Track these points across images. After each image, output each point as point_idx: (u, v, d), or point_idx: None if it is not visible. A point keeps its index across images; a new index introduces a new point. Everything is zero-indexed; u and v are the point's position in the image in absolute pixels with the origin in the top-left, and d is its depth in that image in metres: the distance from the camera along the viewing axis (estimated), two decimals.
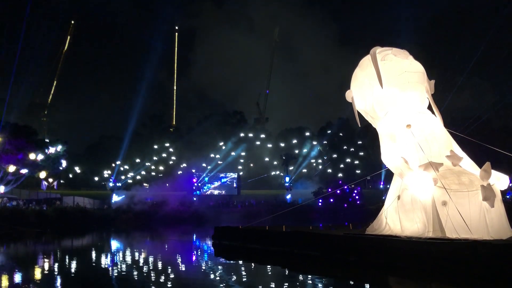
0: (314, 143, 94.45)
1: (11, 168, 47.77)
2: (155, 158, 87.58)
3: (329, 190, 64.62)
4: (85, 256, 24.52)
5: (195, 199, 68.54)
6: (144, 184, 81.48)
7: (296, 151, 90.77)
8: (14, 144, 47.29)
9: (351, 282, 15.68)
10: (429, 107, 20.38)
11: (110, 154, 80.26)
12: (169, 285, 14.99)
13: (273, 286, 14.91)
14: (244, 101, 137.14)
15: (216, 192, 75.70)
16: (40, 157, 50.13)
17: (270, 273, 17.69)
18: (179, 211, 57.60)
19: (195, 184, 74.23)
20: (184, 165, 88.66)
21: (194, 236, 38.46)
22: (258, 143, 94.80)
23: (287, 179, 78.02)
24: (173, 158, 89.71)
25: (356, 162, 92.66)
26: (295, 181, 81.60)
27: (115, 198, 60.75)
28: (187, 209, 59.69)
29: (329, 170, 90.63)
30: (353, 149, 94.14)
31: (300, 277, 16.51)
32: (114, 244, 32.22)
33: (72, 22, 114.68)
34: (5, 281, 15.54)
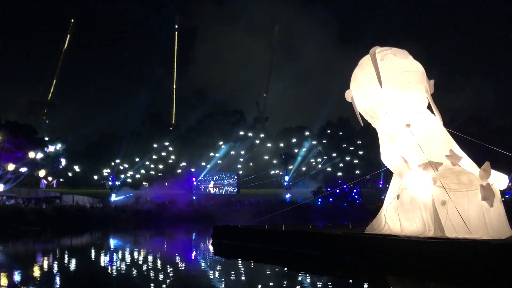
0: (314, 142, 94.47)
1: (11, 167, 47.74)
2: (154, 157, 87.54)
3: (329, 189, 64.64)
4: (84, 254, 24.52)
5: (194, 198, 68.57)
6: (144, 183, 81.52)
7: (296, 151, 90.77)
8: (14, 142, 47.26)
9: (350, 281, 15.70)
10: (429, 107, 20.39)
11: (110, 152, 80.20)
12: (167, 284, 14.99)
13: (272, 285, 14.92)
14: (244, 100, 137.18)
15: (213, 191, 75.74)
16: (40, 155, 50.11)
17: (269, 272, 17.69)
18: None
19: (195, 183, 74.26)
20: (184, 164, 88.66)
21: (194, 235, 38.47)
22: (257, 142, 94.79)
23: (286, 178, 78.05)
24: (173, 157, 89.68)
25: (356, 161, 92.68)
26: (294, 180, 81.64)
27: (115, 197, 60.68)
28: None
29: (329, 169, 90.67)
30: (352, 149, 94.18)
31: (299, 276, 16.52)
32: (114, 243, 32.22)
33: (72, 20, 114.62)
34: (4, 280, 15.54)
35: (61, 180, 72.33)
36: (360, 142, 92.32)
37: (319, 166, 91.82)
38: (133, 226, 47.02)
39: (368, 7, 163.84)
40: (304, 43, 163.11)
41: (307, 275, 16.67)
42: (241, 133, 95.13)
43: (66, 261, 21.22)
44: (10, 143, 47.05)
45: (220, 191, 76.24)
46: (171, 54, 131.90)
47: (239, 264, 19.99)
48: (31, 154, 48.77)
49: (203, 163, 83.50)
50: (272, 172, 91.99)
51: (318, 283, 15.27)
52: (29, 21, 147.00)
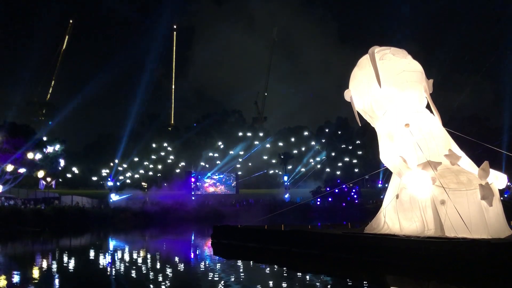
0: (313, 142, 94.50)
1: (9, 167, 47.64)
2: (153, 157, 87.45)
3: (328, 189, 64.70)
4: (83, 255, 24.48)
5: (193, 198, 68.52)
6: (143, 183, 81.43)
7: (295, 151, 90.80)
8: (12, 143, 47.18)
9: (350, 281, 15.69)
10: (428, 106, 20.40)
11: (108, 153, 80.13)
12: (166, 284, 14.98)
13: (272, 285, 14.91)
14: (242, 100, 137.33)
15: (211, 189, 75.69)
16: (38, 156, 50.03)
17: (268, 272, 17.69)
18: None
19: (193, 183, 74.16)
20: (183, 164, 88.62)
21: (194, 235, 38.44)
22: (256, 142, 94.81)
23: (285, 178, 78.02)
24: (171, 157, 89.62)
25: (355, 161, 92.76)
26: (293, 180, 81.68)
27: (114, 197, 60.60)
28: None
29: (328, 169, 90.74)
30: (351, 148, 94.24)
31: (299, 276, 16.51)
32: (113, 243, 32.17)
33: (71, 21, 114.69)
34: (3, 281, 15.52)
35: (60, 180, 72.29)
36: (359, 141, 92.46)
37: (318, 166, 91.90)
38: (132, 227, 46.96)
39: (368, 7, 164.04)
40: (304, 43, 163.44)
41: (307, 275, 16.66)
42: (240, 133, 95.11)
43: (64, 262, 21.19)
44: (8, 143, 46.98)
45: (216, 190, 76.11)
46: (169, 55, 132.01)
47: (238, 264, 19.98)
48: (30, 155, 48.69)
49: (202, 163, 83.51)
50: (271, 172, 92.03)
51: (317, 283, 15.27)
52: (27, 22, 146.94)
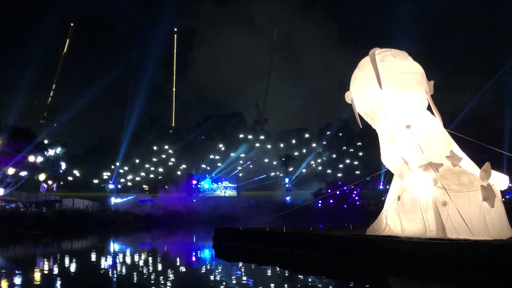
0: (314, 144, 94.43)
1: (11, 171, 47.70)
2: (154, 159, 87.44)
3: (329, 191, 64.65)
4: (84, 258, 24.46)
5: (194, 200, 68.44)
6: (144, 186, 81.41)
7: (296, 152, 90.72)
8: (14, 146, 47.27)
9: (351, 283, 15.67)
10: (429, 108, 20.41)
11: (109, 156, 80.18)
12: (167, 286, 14.96)
13: (273, 287, 14.90)
14: (243, 102, 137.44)
15: (213, 193, 75.62)
16: (40, 159, 50.10)
17: (270, 274, 17.67)
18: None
19: (194, 186, 74.07)
20: (184, 166, 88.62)
21: (196, 238, 38.42)
22: (257, 144, 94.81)
23: (286, 180, 77.98)
24: (173, 159, 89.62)
25: (356, 162, 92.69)
26: (294, 182, 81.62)
27: (116, 200, 60.55)
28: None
29: (329, 171, 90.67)
30: (352, 150, 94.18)
31: (300, 278, 16.49)
32: (114, 246, 32.16)
33: (72, 24, 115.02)
34: (4, 284, 15.50)
35: (61, 183, 72.30)
36: (360, 143, 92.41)
37: (319, 167, 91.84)
38: (134, 229, 46.93)
39: (369, 8, 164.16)
40: (304, 44, 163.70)
41: (308, 277, 16.63)
42: (241, 135, 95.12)
43: (66, 265, 21.18)
44: (10, 147, 47.08)
45: (217, 192, 76.03)
46: (170, 57, 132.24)
47: (240, 266, 19.96)
48: (31, 158, 48.76)
49: (203, 165, 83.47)
50: (272, 174, 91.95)
51: (319, 284, 15.24)
52: (29, 25, 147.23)
